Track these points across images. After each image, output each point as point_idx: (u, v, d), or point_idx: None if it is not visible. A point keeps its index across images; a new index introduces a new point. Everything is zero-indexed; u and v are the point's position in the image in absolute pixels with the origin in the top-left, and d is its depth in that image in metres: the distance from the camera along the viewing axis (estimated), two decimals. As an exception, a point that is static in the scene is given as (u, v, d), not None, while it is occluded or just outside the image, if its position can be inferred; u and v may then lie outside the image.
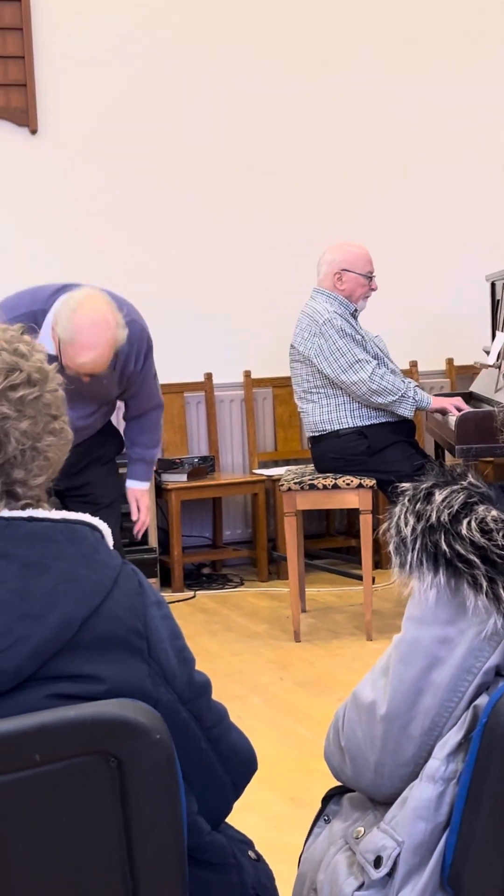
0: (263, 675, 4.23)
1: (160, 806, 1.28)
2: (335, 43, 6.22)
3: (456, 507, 1.32)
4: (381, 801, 1.46)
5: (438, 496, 1.34)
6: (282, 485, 4.65)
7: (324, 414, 4.78)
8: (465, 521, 1.30)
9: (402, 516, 1.37)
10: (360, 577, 4.79)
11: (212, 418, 6.13)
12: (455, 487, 1.35)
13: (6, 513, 1.29)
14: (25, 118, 5.89)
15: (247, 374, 6.14)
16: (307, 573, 5.40)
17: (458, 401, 4.83)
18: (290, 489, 4.62)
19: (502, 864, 1.32)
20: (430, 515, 1.33)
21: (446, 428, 4.71)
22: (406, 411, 4.72)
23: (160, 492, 5.74)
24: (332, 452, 4.75)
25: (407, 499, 1.38)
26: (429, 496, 1.36)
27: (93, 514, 1.34)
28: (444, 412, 4.79)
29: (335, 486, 4.58)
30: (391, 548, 1.38)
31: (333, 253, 4.87)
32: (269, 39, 6.12)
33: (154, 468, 4.01)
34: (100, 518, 1.34)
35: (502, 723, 1.27)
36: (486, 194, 6.44)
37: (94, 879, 1.30)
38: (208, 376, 6.13)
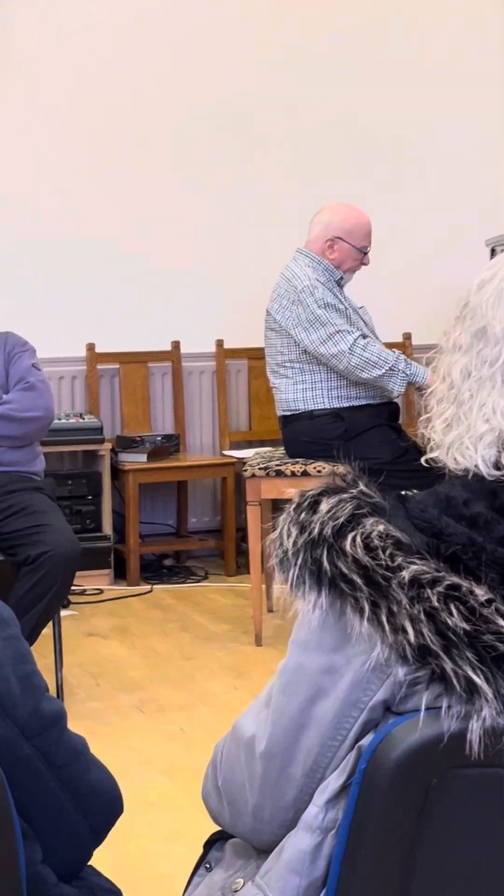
0: (216, 683, 4.21)
1: (-11, 854, 1.24)
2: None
3: (342, 519, 1.27)
4: (264, 850, 1.43)
5: (324, 506, 1.30)
6: (245, 470, 4.61)
7: (297, 392, 4.73)
8: (349, 536, 1.26)
9: (286, 527, 1.32)
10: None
11: (178, 392, 6.10)
12: (344, 496, 1.30)
13: None
14: None
15: (219, 343, 6.11)
16: (277, 568, 5.36)
17: None
18: (254, 475, 4.58)
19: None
20: (312, 528, 1.29)
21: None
22: (397, 386, 4.63)
23: (116, 473, 5.71)
24: (304, 435, 4.70)
25: (292, 507, 1.34)
26: (315, 505, 1.31)
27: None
28: None
29: (304, 474, 4.54)
30: (275, 562, 1.34)
31: (331, 215, 4.79)
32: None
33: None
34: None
35: (384, 768, 1.23)
36: (488, 150, 6.40)
37: None
38: (175, 345, 6.09)
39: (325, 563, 1.27)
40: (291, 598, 1.33)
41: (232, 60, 6.10)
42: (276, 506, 5.34)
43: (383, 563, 1.24)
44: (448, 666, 1.19)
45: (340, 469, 1.38)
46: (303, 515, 1.31)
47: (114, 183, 5.96)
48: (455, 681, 1.19)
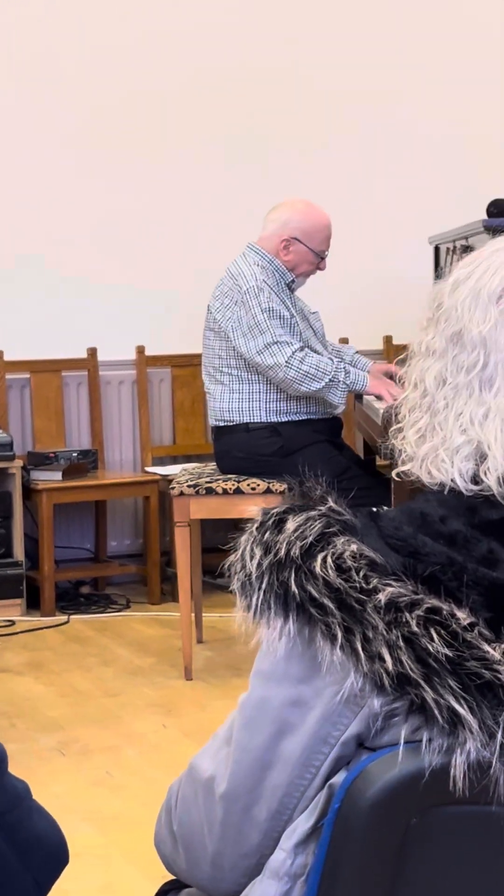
0: (143, 722, 4.20)
1: None
2: None
3: (311, 538, 1.28)
4: (223, 901, 1.43)
5: (291, 524, 1.31)
6: (172, 488, 4.61)
7: (233, 401, 4.75)
8: (319, 557, 1.27)
9: (249, 548, 1.33)
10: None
11: (95, 403, 6.08)
12: (312, 514, 1.31)
13: None
14: None
15: (140, 349, 6.10)
16: (206, 595, 5.37)
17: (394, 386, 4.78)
18: (182, 493, 4.58)
19: None
20: (279, 548, 1.30)
21: (372, 421, 4.68)
22: (337, 398, 4.67)
23: (28, 493, 5.68)
24: (237, 450, 4.72)
25: (255, 526, 1.35)
26: (280, 524, 1.32)
27: None
28: (379, 398, 4.73)
29: (238, 491, 4.55)
30: (236, 586, 1.35)
31: (290, 212, 4.81)
32: None
33: None
34: None
35: (359, 807, 1.23)
36: (429, 144, 6.48)
37: None
38: (92, 352, 6.07)
39: (293, 587, 1.27)
40: (254, 625, 1.34)
41: (127, 57, 6.12)
42: (204, 525, 5.34)
43: (357, 585, 1.25)
44: (429, 695, 1.20)
45: (291, 484, 1.40)
46: (267, 535, 1.32)
47: (19, 180, 5.95)
48: (437, 711, 1.20)
